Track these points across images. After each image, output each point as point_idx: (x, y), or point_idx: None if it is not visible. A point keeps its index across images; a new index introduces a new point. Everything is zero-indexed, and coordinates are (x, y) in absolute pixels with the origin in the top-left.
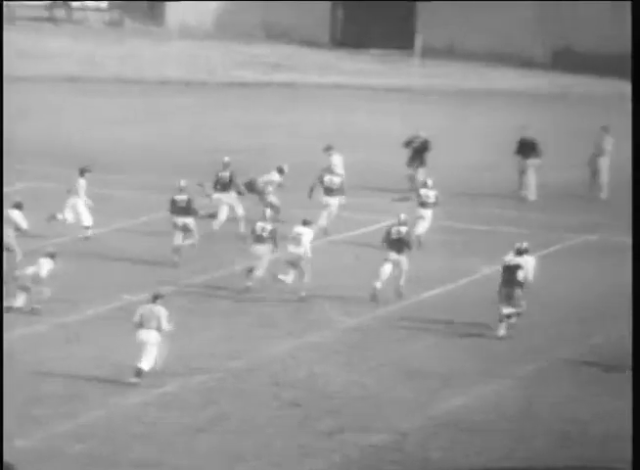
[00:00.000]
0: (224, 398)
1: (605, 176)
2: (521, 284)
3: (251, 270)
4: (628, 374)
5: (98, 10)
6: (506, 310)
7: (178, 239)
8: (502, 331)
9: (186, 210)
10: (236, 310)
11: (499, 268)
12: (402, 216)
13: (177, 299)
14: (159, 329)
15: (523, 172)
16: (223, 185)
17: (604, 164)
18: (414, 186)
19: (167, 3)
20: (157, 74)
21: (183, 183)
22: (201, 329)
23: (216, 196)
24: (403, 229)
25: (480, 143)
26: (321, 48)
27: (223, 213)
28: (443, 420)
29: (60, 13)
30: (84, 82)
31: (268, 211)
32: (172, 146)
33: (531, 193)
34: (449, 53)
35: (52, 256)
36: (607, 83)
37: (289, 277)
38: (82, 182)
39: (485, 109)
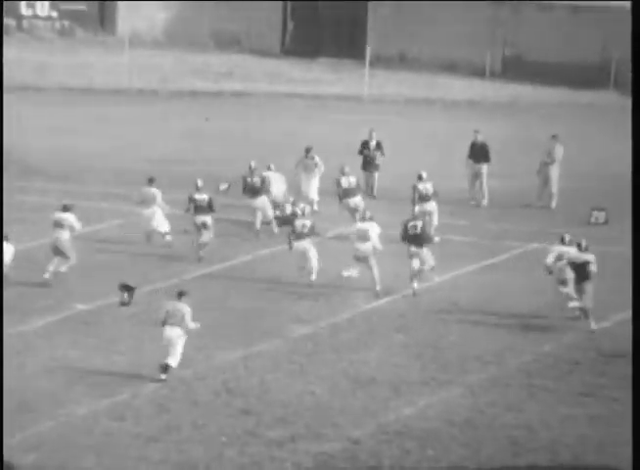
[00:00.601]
0: (176, 406)
1: (555, 185)
2: (591, 279)
3: (303, 267)
4: (577, 381)
5: (49, 19)
6: (575, 303)
7: (200, 236)
8: (594, 325)
9: (206, 208)
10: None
11: (454, 275)
12: (416, 209)
13: (131, 308)
14: (182, 326)
15: (474, 177)
16: (254, 190)
17: (554, 172)
18: (368, 190)
19: (118, 13)
20: (108, 83)
21: (200, 183)
22: (151, 337)
23: (248, 202)
24: (419, 223)
25: (430, 151)
26: (272, 57)
27: (258, 219)
28: (394, 428)
29: (10, 21)
30: (35, 91)
31: (307, 208)
32: (123, 155)
33: (484, 199)
34: (400, 62)
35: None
36: (556, 92)
37: (354, 271)
38: (155, 191)
39: (436, 117)
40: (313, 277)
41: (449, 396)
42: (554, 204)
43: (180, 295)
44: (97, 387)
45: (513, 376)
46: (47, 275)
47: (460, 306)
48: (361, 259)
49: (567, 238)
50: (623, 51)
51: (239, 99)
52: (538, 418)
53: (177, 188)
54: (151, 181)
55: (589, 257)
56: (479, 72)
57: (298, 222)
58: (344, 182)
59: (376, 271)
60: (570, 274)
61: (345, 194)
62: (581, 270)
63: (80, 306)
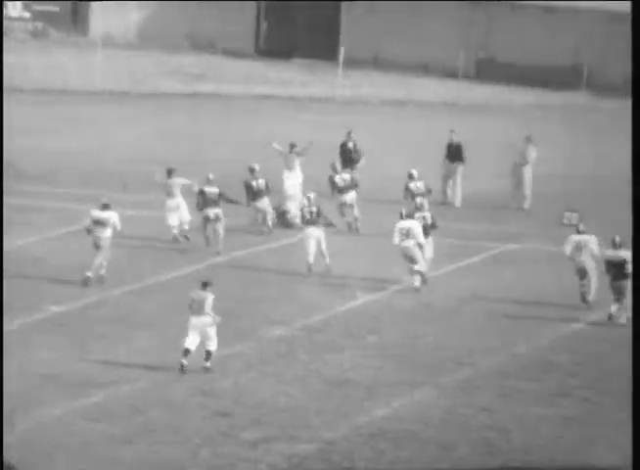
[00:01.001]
0: (150, 408)
1: (528, 186)
2: (629, 277)
3: (309, 260)
4: (551, 382)
5: (21, 19)
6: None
7: (210, 230)
8: (624, 319)
9: (216, 201)
10: (161, 320)
11: (428, 276)
12: (418, 200)
13: (102, 309)
14: (210, 314)
15: (448, 177)
16: (258, 193)
17: (527, 174)
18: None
19: (91, 13)
20: (81, 84)
21: (212, 176)
22: (124, 339)
23: (252, 204)
24: (427, 214)
25: (403, 153)
26: (246, 58)
27: (262, 219)
28: (369, 430)
29: None
30: (7, 92)
31: (313, 195)
32: (97, 156)
33: (458, 199)
34: (374, 63)
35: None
36: (529, 93)
37: (416, 278)
38: (177, 180)
39: (409, 118)
40: (327, 261)
41: (423, 397)
42: (527, 205)
43: (205, 284)
44: (71, 388)
45: (487, 377)
46: (89, 273)
47: (434, 308)
48: (407, 257)
49: (582, 227)
50: (596, 52)
51: (212, 100)
52: (512, 419)
53: (149, 189)
54: (170, 172)
55: (626, 255)
56: (452, 74)
57: (306, 210)
58: (339, 180)
59: (421, 267)
60: (590, 266)
61: (340, 191)
62: (618, 269)
63: (54, 308)
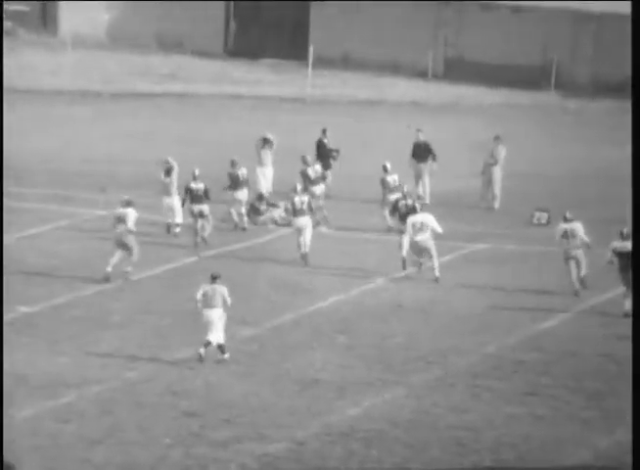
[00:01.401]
0: (120, 408)
1: (498, 186)
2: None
3: (299, 245)
4: (521, 381)
5: None
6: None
7: (197, 225)
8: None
9: (202, 197)
10: (130, 320)
11: (398, 277)
12: (405, 188)
13: (72, 310)
14: (223, 306)
15: (418, 177)
16: (237, 183)
17: (497, 173)
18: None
19: (60, 13)
20: (51, 84)
21: (197, 171)
22: (95, 339)
23: (231, 194)
24: (410, 201)
25: (374, 152)
26: (215, 58)
27: (235, 213)
28: (339, 429)
29: None
30: None
31: (299, 186)
32: (67, 156)
33: (426, 197)
34: (343, 63)
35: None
36: (498, 93)
37: (435, 270)
38: (174, 177)
39: (379, 118)
40: (306, 250)
41: (393, 396)
42: (497, 204)
43: (214, 278)
44: (41, 389)
45: (457, 376)
46: (109, 268)
47: (404, 307)
48: (422, 250)
49: (568, 215)
50: (564, 52)
51: (182, 100)
52: (482, 418)
53: (120, 188)
54: (168, 172)
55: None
56: (421, 73)
57: (297, 200)
58: (311, 172)
59: (436, 259)
60: (579, 256)
61: (312, 183)
62: (625, 259)
63: (24, 309)
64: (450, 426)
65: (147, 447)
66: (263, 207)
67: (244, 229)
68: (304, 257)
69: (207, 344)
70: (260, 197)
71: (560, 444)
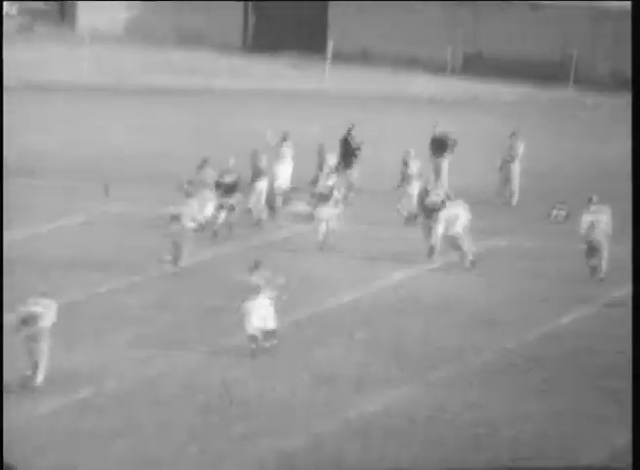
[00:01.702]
0: (137, 403)
1: (516, 182)
2: None
3: (319, 234)
4: (537, 377)
5: (7, 16)
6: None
7: (222, 217)
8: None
9: (234, 189)
10: (147, 317)
11: (416, 273)
12: (429, 186)
13: (86, 307)
14: (268, 293)
15: (437, 172)
16: (260, 173)
17: (515, 169)
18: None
19: (78, 8)
20: (68, 79)
21: (232, 162)
22: (112, 335)
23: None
24: (435, 196)
25: (392, 147)
26: (233, 53)
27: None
28: (357, 425)
29: None
30: None
31: (326, 169)
32: (83, 151)
33: None
34: (362, 58)
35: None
36: (516, 89)
37: (466, 260)
38: (210, 172)
39: (397, 114)
40: (327, 240)
41: (411, 392)
42: (515, 201)
43: (256, 265)
44: (59, 385)
45: (474, 373)
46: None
47: (421, 304)
48: (456, 245)
49: (595, 198)
50: (583, 48)
51: (200, 95)
52: (499, 415)
53: (137, 184)
54: (202, 165)
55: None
56: (440, 69)
57: (321, 185)
58: (326, 166)
59: (470, 247)
60: (602, 244)
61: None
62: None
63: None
64: (467, 422)
65: (164, 443)
66: (282, 201)
67: (260, 221)
68: (323, 245)
69: (254, 338)
70: (279, 191)
71: (577, 441)
